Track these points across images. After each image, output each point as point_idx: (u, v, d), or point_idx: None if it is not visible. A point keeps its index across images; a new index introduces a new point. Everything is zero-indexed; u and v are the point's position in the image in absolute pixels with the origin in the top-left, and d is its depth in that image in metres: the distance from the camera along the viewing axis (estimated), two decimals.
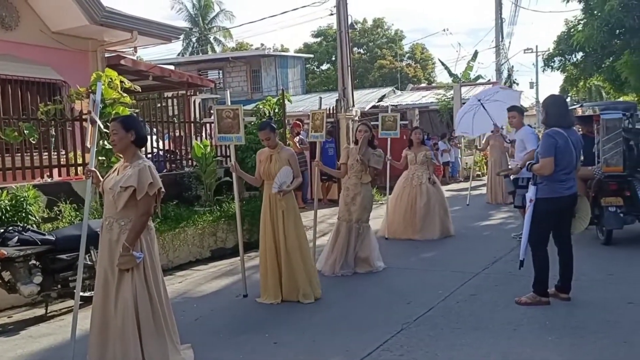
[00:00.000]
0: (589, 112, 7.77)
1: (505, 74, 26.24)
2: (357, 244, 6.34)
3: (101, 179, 3.94)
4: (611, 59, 15.32)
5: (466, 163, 17.76)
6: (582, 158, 6.70)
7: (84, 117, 7.21)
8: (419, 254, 7.39)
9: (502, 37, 26.27)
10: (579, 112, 8.19)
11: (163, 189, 3.79)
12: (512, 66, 32.43)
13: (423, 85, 31.62)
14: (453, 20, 75.47)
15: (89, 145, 4.04)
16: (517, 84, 33.52)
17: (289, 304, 5.25)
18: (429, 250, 7.55)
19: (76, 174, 7.35)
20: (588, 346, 3.98)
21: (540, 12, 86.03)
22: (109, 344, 3.64)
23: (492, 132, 12.08)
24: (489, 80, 25.94)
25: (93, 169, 3.93)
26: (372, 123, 8.91)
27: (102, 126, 4.04)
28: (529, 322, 4.53)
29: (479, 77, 25.96)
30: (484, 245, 7.73)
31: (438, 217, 8.29)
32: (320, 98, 7.30)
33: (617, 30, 13.87)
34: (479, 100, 10.69)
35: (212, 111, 7.04)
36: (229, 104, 5.71)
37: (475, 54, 25.04)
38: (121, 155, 3.93)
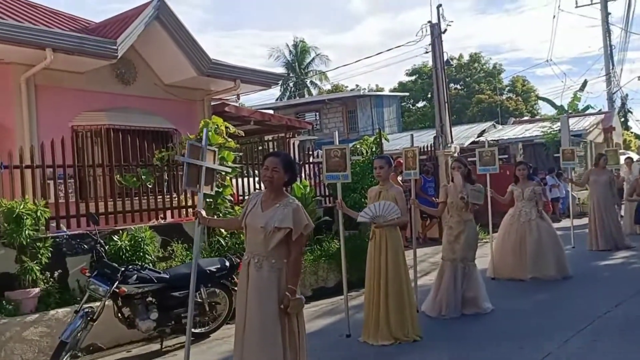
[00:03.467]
0: None
1: (618, 103, 24.67)
2: (463, 283, 6.09)
3: (207, 218, 4.21)
4: None
5: (579, 198, 16.58)
6: None
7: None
8: (529, 295, 6.95)
9: (613, 65, 24.85)
10: None
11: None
12: (627, 94, 30.44)
13: (526, 118, 30.42)
14: (556, 50, 72.48)
15: (186, 188, 4.29)
16: (632, 113, 31.33)
17: (392, 344, 5.11)
18: (541, 292, 7.07)
19: (186, 215, 7.77)
20: None
21: None
22: None
23: (594, 166, 10.98)
24: (600, 110, 24.50)
25: (201, 210, 4.15)
26: (469, 159, 8.69)
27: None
28: None
29: (588, 107, 24.62)
30: (603, 287, 7.13)
31: (552, 254, 7.73)
32: (412, 135, 7.30)
33: None
34: None
35: (319, 151, 7.23)
36: (337, 143, 5.89)
37: (585, 83, 23.84)
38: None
